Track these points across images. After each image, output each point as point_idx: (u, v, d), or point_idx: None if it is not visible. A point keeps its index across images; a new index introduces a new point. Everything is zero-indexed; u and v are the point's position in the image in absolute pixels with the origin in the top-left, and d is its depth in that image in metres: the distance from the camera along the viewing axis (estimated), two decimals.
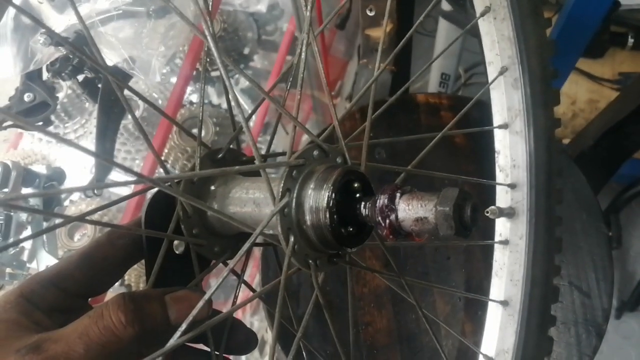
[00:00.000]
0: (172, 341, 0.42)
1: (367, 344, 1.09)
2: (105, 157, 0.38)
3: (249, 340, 0.62)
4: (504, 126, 0.81)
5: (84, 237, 1.49)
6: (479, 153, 1.13)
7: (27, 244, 1.31)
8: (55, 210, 1.28)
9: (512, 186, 0.81)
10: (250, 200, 0.52)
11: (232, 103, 0.51)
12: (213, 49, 0.46)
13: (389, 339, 1.09)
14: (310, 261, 0.50)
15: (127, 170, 0.40)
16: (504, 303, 0.79)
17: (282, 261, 0.51)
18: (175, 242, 0.54)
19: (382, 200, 0.46)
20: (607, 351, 2.21)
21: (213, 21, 1.58)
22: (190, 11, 1.22)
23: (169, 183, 0.51)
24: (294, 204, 0.48)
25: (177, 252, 0.55)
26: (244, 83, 1.99)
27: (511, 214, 0.81)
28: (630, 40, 2.28)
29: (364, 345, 1.08)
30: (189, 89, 1.78)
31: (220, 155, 0.58)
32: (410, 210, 0.44)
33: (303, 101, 2.04)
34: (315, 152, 0.51)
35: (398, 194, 0.45)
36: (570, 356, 1.02)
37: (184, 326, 0.43)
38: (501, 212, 0.79)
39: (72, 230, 1.45)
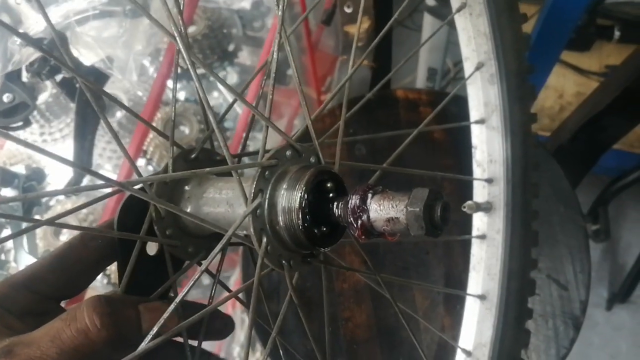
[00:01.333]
0: (144, 344, 0.41)
1: (347, 338, 1.08)
2: (74, 163, 0.37)
3: (227, 326, 0.61)
4: (481, 121, 0.81)
5: (71, 235, 1.46)
6: (457, 148, 1.13)
7: (9, 244, 1.29)
8: (35, 209, 1.27)
9: (489, 181, 0.80)
10: (224, 201, 0.51)
11: (213, 101, 0.50)
12: (182, 50, 0.45)
13: (369, 333, 1.08)
14: (284, 262, 0.50)
15: (97, 175, 0.39)
16: (482, 297, 0.79)
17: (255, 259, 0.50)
18: (148, 243, 0.53)
19: (353, 200, 0.45)
20: (598, 342, 2.23)
21: (190, 20, 1.57)
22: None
23: (141, 185, 0.50)
24: (266, 205, 0.47)
25: (150, 253, 0.54)
26: (232, 79, 1.98)
27: (488, 208, 0.80)
28: (617, 33, 2.27)
29: (343, 340, 1.08)
30: (178, 85, 1.76)
31: (193, 155, 0.57)
32: (382, 210, 0.44)
33: (291, 97, 2.03)
34: (288, 152, 0.50)
35: (370, 195, 0.45)
36: (548, 348, 1.02)
37: (155, 329, 0.42)
38: (478, 207, 0.79)
39: (58, 229, 1.43)
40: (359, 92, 1.43)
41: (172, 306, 0.43)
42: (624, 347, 2.22)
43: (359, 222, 0.45)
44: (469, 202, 0.78)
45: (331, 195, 0.48)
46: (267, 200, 0.47)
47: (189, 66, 0.45)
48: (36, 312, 0.49)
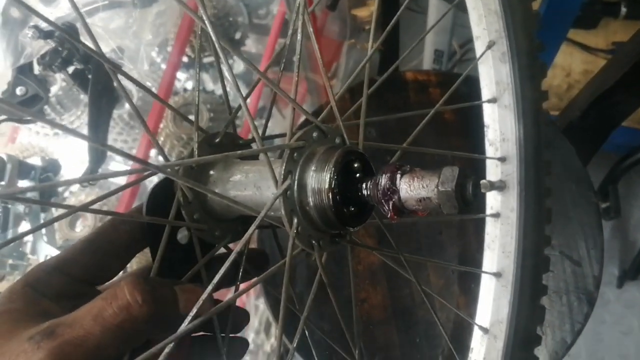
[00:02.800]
0: (184, 326, 0.42)
1: (364, 319, 1.09)
2: (103, 144, 0.37)
3: (243, 319, 0.62)
4: (493, 100, 0.81)
5: (85, 227, 1.48)
6: (468, 128, 1.13)
7: (28, 236, 1.30)
8: (52, 199, 1.28)
9: (502, 159, 0.80)
10: (251, 184, 0.52)
11: (229, 86, 0.51)
12: (210, 30, 0.45)
13: (385, 314, 1.09)
14: (314, 242, 0.50)
15: (129, 156, 0.39)
16: (497, 275, 0.80)
17: (282, 243, 0.51)
18: (179, 234, 0.54)
19: (383, 181, 0.45)
20: (610, 320, 2.23)
21: (196, 10, 1.57)
22: None
23: (169, 169, 0.50)
24: (296, 186, 0.47)
25: (181, 242, 0.54)
26: (238, 68, 1.98)
27: (502, 187, 0.81)
28: (623, 10, 2.24)
29: (360, 321, 1.08)
30: (184, 75, 1.77)
31: (217, 140, 0.57)
32: (413, 191, 0.44)
33: (298, 83, 2.02)
34: (315, 134, 0.50)
35: (399, 175, 0.45)
36: (562, 324, 1.03)
37: (194, 310, 0.42)
38: (492, 186, 0.79)
39: (73, 221, 1.43)
40: (368, 75, 1.42)
41: (209, 287, 0.43)
42: (636, 324, 2.22)
43: (390, 202, 0.45)
44: (483, 180, 0.78)
45: (359, 175, 0.49)
46: (296, 181, 0.47)
47: (217, 47, 0.45)
48: (71, 295, 0.50)
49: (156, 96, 0.54)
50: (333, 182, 0.46)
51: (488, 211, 0.83)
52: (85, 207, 0.43)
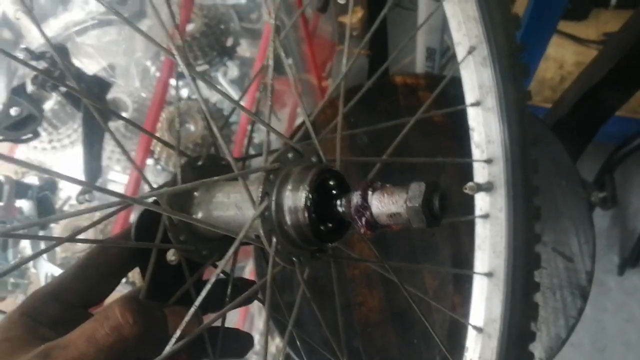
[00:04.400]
0: (169, 347, 0.43)
1: (361, 322, 1.11)
2: (89, 184, 0.39)
3: (246, 344, 0.64)
4: (477, 104, 0.82)
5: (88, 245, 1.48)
6: (458, 129, 1.14)
7: (27, 253, 1.32)
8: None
9: (488, 161, 0.82)
10: (232, 204, 0.54)
11: (207, 114, 0.52)
12: (182, 66, 0.47)
13: (382, 316, 1.11)
14: (294, 258, 0.52)
15: (111, 193, 0.41)
16: (489, 275, 0.81)
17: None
18: (169, 254, 0.56)
19: (355, 199, 0.47)
20: (611, 308, 2.24)
21: (187, 19, 1.58)
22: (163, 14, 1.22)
23: (154, 198, 0.52)
24: (273, 207, 0.49)
25: (171, 262, 0.56)
26: (233, 73, 2.00)
27: (489, 188, 0.82)
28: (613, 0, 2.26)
29: (357, 324, 1.10)
30: (180, 82, 1.78)
31: (200, 163, 0.59)
32: (383, 207, 0.46)
33: (291, 86, 2.04)
34: (290, 154, 0.52)
35: (370, 192, 0.47)
36: (556, 319, 1.05)
37: (178, 332, 0.44)
38: (479, 188, 0.80)
39: (73, 231, 1.44)
40: (357, 81, 1.44)
41: (192, 309, 0.45)
42: (637, 311, 2.23)
43: (363, 219, 0.47)
44: (470, 183, 0.80)
45: (334, 192, 0.50)
46: (273, 201, 0.49)
47: (190, 81, 0.47)
48: (65, 320, 0.51)
49: (141, 128, 0.56)
50: (308, 201, 0.48)
51: (477, 212, 0.84)
52: (72, 238, 0.45)
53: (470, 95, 0.84)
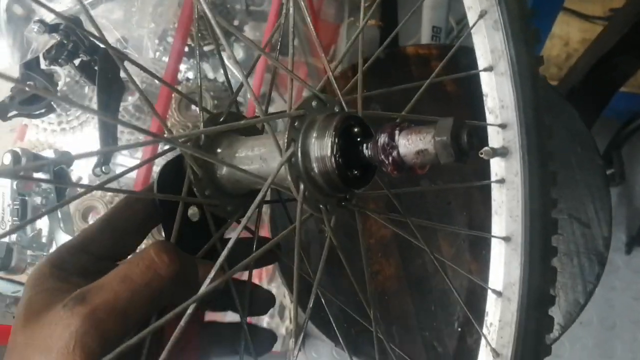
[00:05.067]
0: (204, 287, 0.43)
1: (378, 291, 1.11)
2: (116, 119, 0.39)
3: (268, 300, 0.64)
4: (489, 69, 0.82)
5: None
6: (470, 98, 1.14)
7: (45, 226, 1.33)
8: (67, 190, 1.30)
9: (502, 126, 0.82)
10: (257, 157, 0.54)
11: (230, 69, 0.53)
12: (207, 11, 0.47)
13: (399, 284, 1.11)
14: (321, 206, 0.52)
15: (142, 130, 0.42)
16: (506, 239, 0.81)
17: (293, 216, 0.53)
18: (190, 211, 0.56)
19: (382, 138, 0.47)
20: (620, 286, 2.23)
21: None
22: None
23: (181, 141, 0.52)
24: (299, 153, 0.49)
25: (193, 220, 0.56)
26: (238, 54, 1.99)
27: (504, 153, 0.82)
28: None
29: (375, 292, 1.11)
30: (184, 66, 1.78)
31: (221, 119, 0.59)
32: (410, 144, 0.46)
33: (298, 68, 2.04)
34: (314, 103, 0.52)
35: (397, 131, 0.47)
36: (575, 285, 1.05)
37: (212, 273, 0.44)
38: (495, 152, 0.80)
39: (86, 212, 1.45)
40: (369, 52, 1.44)
41: (218, 261, 0.45)
42: None
43: (390, 158, 0.47)
44: (486, 148, 0.80)
45: (359, 138, 0.51)
46: (299, 148, 0.49)
47: (214, 26, 0.47)
48: (95, 271, 0.51)
49: (162, 80, 0.56)
50: (335, 146, 0.48)
51: (493, 177, 0.84)
52: (100, 186, 0.46)
53: (482, 61, 0.84)
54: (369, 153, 0.49)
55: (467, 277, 1.07)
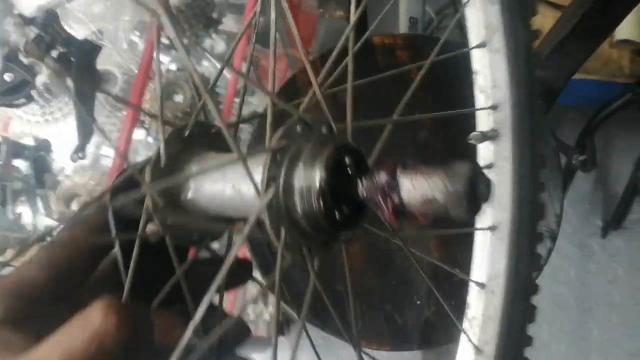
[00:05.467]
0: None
1: (343, 267, 0.97)
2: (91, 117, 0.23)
3: (244, 274, 0.47)
4: (482, 45, 0.65)
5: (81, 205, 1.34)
6: (437, 87, 0.98)
7: (25, 209, 1.19)
8: (45, 175, 1.17)
9: (493, 107, 0.65)
10: (229, 184, 0.36)
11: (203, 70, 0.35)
12: (166, 24, 0.29)
13: (362, 261, 0.98)
14: (304, 248, 0.35)
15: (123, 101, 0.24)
16: (492, 228, 0.65)
17: (273, 250, 0.36)
18: (148, 230, 0.38)
19: (381, 177, 0.31)
20: (595, 270, 2.06)
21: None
22: None
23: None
24: (281, 193, 0.32)
25: (152, 240, 0.39)
26: (220, 46, 1.79)
27: (494, 136, 0.65)
28: None
29: (340, 268, 0.96)
30: (167, 58, 1.58)
31: (187, 132, 0.41)
32: (416, 190, 0.30)
33: (278, 60, 1.83)
34: (298, 127, 0.35)
35: (398, 170, 0.30)
36: None
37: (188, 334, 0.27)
38: (484, 136, 0.64)
39: (69, 199, 1.28)
40: (343, 45, 1.26)
41: (190, 326, 0.27)
42: (621, 272, 2.06)
43: (390, 203, 0.31)
44: (474, 132, 0.63)
45: (351, 171, 0.34)
46: (281, 187, 0.32)
47: (174, 38, 0.29)
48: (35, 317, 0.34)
49: (123, 100, 0.38)
50: (323, 184, 0.31)
51: (481, 163, 0.68)
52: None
53: (474, 37, 0.66)
54: (364, 193, 0.32)
55: (427, 254, 0.93)
